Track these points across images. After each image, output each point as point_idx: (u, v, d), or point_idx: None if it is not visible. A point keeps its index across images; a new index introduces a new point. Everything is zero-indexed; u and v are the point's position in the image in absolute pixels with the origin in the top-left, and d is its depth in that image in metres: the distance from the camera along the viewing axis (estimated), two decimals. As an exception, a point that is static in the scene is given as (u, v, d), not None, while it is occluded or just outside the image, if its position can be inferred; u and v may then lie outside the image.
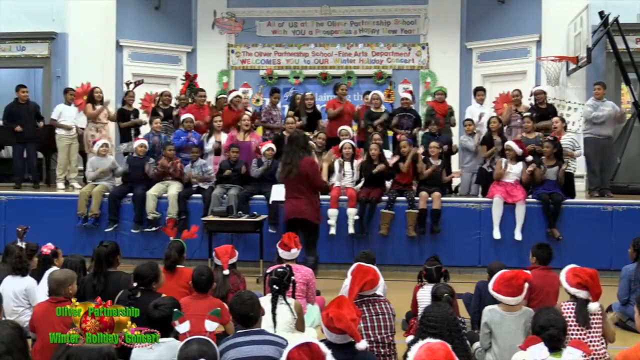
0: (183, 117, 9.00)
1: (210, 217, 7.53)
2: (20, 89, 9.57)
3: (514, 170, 7.87)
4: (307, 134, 8.51)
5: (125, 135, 9.44)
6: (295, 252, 5.40)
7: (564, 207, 7.75)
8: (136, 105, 9.91)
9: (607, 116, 8.47)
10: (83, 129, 9.52)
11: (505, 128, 8.81)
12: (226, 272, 5.08)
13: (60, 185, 9.40)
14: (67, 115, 9.46)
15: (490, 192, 7.92)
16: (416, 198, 7.86)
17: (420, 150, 8.33)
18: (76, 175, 9.52)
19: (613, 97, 9.96)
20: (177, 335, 3.46)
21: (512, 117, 9.00)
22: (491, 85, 11.39)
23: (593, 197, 8.42)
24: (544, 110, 8.85)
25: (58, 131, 9.42)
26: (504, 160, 7.91)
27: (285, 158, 6.43)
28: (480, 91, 9.59)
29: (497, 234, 7.72)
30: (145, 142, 8.59)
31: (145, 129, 9.76)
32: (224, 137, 8.85)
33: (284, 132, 8.67)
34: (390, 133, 9.35)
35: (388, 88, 12.32)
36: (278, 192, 7.35)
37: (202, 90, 9.86)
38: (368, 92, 9.99)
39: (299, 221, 6.33)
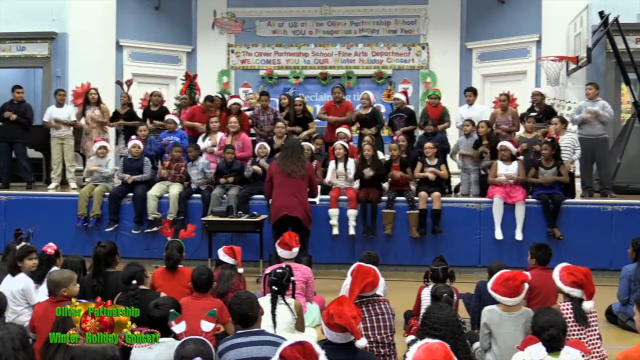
0: (166, 118, 9.05)
1: (210, 217, 7.52)
2: (16, 89, 9.58)
3: (510, 171, 7.83)
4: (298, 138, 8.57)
5: (118, 136, 9.48)
6: (296, 251, 5.42)
7: (564, 207, 7.75)
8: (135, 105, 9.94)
9: (581, 119, 8.49)
10: (75, 127, 9.54)
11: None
12: (241, 270, 5.09)
13: (52, 185, 9.36)
14: (57, 116, 9.36)
15: (489, 192, 7.90)
16: (415, 198, 7.86)
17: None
18: (73, 175, 9.50)
19: (613, 97, 9.97)
20: (176, 335, 3.46)
21: (499, 121, 8.82)
22: (491, 85, 11.39)
23: (591, 197, 8.37)
24: (540, 113, 8.75)
25: (51, 132, 9.38)
26: (499, 161, 7.88)
27: (287, 159, 6.54)
28: (468, 92, 9.32)
29: (499, 235, 7.71)
30: (139, 143, 8.53)
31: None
32: (219, 138, 8.77)
33: (274, 138, 8.67)
34: (387, 133, 9.31)
35: (388, 88, 12.34)
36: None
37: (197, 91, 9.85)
38: None
39: (290, 220, 6.38)
